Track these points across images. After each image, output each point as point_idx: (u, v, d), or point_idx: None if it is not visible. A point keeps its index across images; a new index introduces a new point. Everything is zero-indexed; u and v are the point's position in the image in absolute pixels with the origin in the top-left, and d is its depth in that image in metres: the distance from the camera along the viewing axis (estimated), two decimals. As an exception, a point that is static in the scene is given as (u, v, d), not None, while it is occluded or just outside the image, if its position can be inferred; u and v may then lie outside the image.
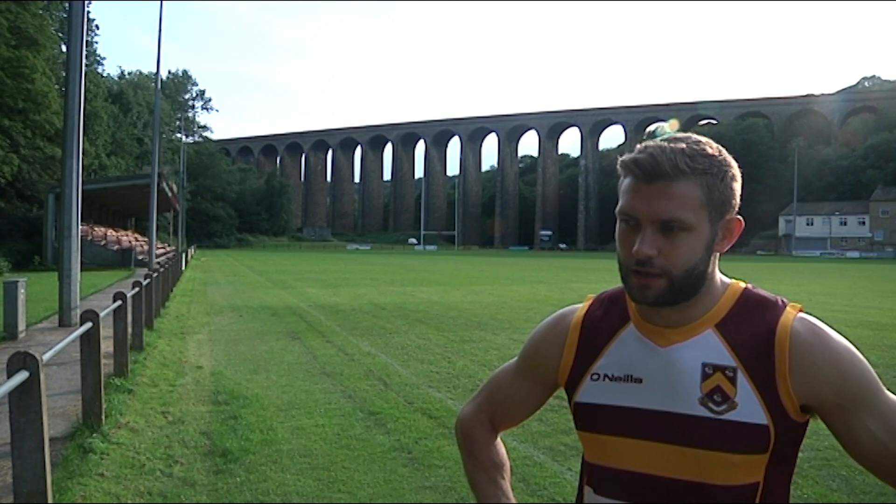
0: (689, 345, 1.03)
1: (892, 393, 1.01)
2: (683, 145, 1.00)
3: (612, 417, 1.06)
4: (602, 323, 1.12)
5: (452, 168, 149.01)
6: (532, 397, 1.24)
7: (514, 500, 1.22)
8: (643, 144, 1.02)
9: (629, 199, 1.01)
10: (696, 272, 1.01)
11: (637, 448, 1.03)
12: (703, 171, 0.99)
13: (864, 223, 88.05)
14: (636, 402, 1.04)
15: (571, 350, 1.14)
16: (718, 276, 1.08)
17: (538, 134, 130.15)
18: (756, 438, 0.97)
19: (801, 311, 1.03)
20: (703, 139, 1.04)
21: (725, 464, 0.98)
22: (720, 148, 1.04)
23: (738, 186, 1.04)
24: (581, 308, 1.17)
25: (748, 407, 0.98)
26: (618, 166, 1.04)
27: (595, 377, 1.09)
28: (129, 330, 7.67)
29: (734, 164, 1.04)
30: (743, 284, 1.08)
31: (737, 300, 1.05)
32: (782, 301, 1.04)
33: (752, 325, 1.02)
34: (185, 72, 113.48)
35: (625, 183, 1.03)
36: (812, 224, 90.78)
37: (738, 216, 1.05)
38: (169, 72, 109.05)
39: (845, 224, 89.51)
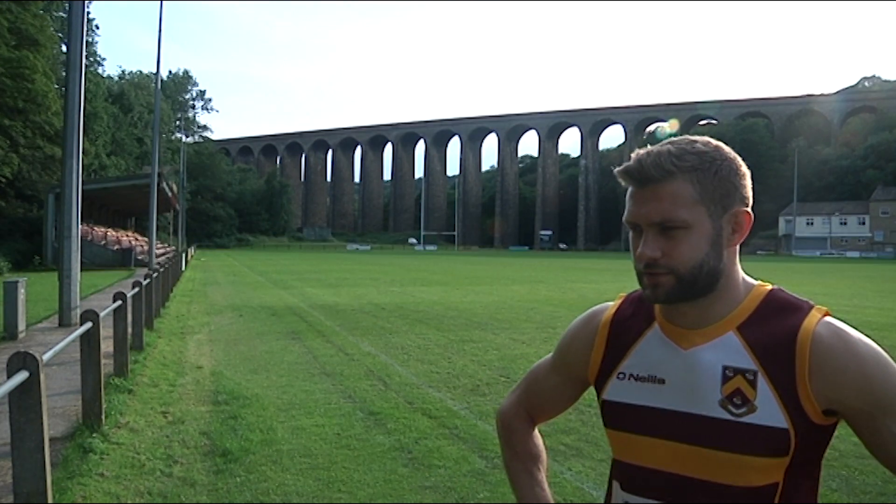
0: (710, 347, 1.04)
1: None
2: (670, 146, 1.02)
3: (636, 416, 1.08)
4: (630, 322, 1.14)
5: (452, 168, 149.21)
6: (566, 392, 1.28)
7: (548, 491, 1.24)
8: (634, 152, 1.04)
9: (629, 207, 1.05)
10: (706, 268, 1.01)
11: (659, 447, 1.05)
12: (693, 167, 1.00)
13: (864, 223, 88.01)
14: (659, 402, 1.06)
15: (600, 349, 1.17)
16: (742, 276, 1.07)
17: (538, 134, 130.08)
18: (776, 442, 0.97)
19: (826, 314, 1.02)
20: (699, 138, 1.04)
21: (744, 466, 0.98)
22: (718, 144, 1.04)
23: (741, 179, 1.04)
24: (612, 307, 1.20)
25: (767, 411, 0.97)
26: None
27: (621, 376, 1.12)
28: (129, 330, 7.67)
29: (734, 157, 1.04)
30: (769, 286, 1.08)
31: (761, 302, 1.05)
32: (808, 304, 1.03)
33: (774, 327, 1.01)
34: (185, 72, 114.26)
35: (627, 192, 1.06)
36: (812, 224, 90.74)
37: (747, 209, 1.05)
38: (169, 72, 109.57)
39: (845, 224, 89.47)
